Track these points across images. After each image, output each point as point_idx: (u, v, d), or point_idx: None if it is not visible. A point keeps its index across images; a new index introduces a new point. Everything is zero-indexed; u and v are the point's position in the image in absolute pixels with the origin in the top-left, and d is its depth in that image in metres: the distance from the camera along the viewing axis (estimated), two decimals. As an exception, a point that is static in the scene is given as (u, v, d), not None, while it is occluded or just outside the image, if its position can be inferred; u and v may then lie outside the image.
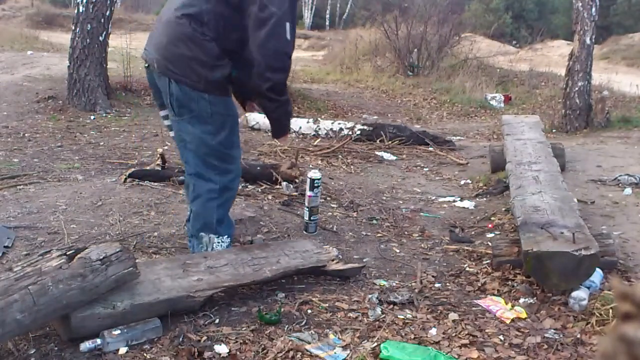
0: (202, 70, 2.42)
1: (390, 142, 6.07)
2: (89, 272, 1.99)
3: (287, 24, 2.36)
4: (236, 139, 2.64)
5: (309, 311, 2.41)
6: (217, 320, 2.28)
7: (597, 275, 2.67)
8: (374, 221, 3.69)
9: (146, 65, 2.62)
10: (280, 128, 2.63)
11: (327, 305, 2.47)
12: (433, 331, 2.28)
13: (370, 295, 2.56)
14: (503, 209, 3.92)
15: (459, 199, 4.34)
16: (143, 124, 6.40)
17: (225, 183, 2.60)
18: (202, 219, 2.63)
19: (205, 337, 2.14)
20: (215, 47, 2.41)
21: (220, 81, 2.46)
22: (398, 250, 3.23)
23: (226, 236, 2.69)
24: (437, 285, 2.78)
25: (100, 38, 6.82)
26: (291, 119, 2.71)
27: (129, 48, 8.01)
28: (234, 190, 2.71)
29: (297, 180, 4.09)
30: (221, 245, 2.67)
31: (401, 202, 4.22)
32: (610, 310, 2.38)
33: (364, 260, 3.04)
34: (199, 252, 2.63)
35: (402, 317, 2.39)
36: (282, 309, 2.36)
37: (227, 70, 2.45)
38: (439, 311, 2.47)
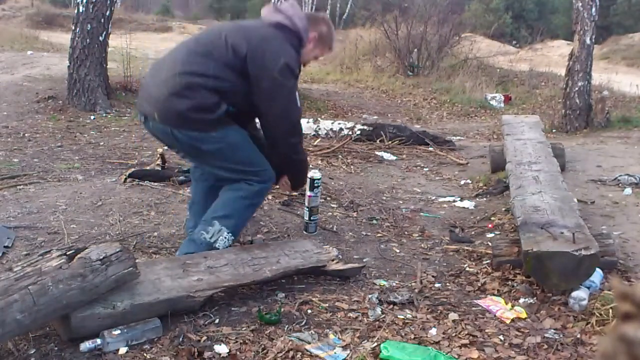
0: (204, 115, 2.51)
1: (390, 142, 6.07)
2: (89, 272, 1.99)
3: (297, 93, 2.63)
4: (253, 152, 2.70)
5: (309, 311, 2.41)
6: (217, 320, 2.28)
7: (597, 275, 2.67)
8: (374, 221, 3.69)
9: (142, 117, 2.68)
10: (299, 181, 2.93)
11: (327, 305, 2.47)
12: (433, 331, 2.28)
13: (370, 295, 2.56)
14: (503, 209, 3.92)
15: (459, 199, 4.34)
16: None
17: (261, 188, 2.72)
18: (228, 210, 2.67)
19: (205, 337, 2.14)
20: (214, 95, 2.51)
21: (222, 117, 2.55)
22: (398, 250, 3.23)
23: (233, 237, 2.72)
24: (437, 285, 2.78)
25: (100, 38, 6.82)
26: (308, 172, 2.97)
27: (129, 48, 8.01)
28: (263, 196, 2.85)
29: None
30: (224, 243, 2.67)
31: (401, 202, 4.22)
32: (610, 310, 2.38)
33: (364, 260, 3.04)
34: (199, 251, 2.63)
35: (402, 317, 2.39)
36: (282, 309, 2.36)
37: (225, 107, 2.55)
38: (439, 311, 2.47)
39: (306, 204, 3.36)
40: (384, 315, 2.39)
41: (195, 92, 2.48)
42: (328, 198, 4.00)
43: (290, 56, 2.57)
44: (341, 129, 6.28)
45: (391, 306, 2.49)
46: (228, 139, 2.58)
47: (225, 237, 2.67)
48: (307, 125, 6.48)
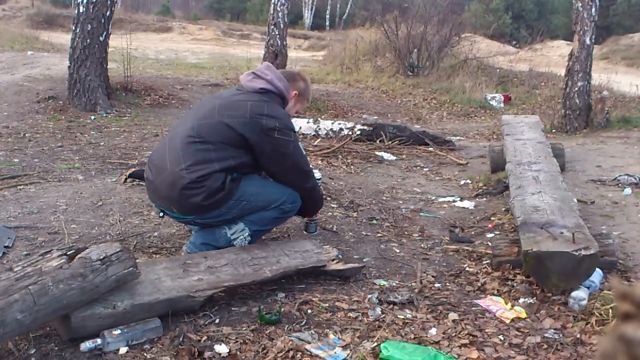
0: (219, 195, 2.61)
1: (390, 142, 6.07)
2: (89, 272, 1.99)
3: (300, 144, 2.80)
4: (272, 188, 2.81)
5: (309, 311, 2.41)
6: (217, 320, 2.28)
7: (597, 275, 2.67)
8: (374, 221, 3.69)
9: (160, 211, 2.83)
10: (315, 210, 3.09)
11: (327, 305, 2.47)
12: (433, 331, 2.28)
13: (370, 295, 2.56)
14: (503, 209, 3.92)
15: (459, 199, 4.35)
16: (143, 124, 6.41)
17: (292, 208, 2.85)
18: (255, 216, 2.75)
19: (205, 337, 2.14)
20: (222, 174, 2.61)
21: (230, 187, 2.65)
22: (398, 250, 3.24)
23: (250, 240, 2.79)
24: (437, 285, 2.78)
25: (101, 38, 6.83)
26: (322, 204, 3.12)
27: (129, 48, 8.01)
28: (291, 214, 2.95)
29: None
30: (242, 242, 2.75)
31: (401, 202, 4.22)
32: (610, 310, 2.38)
33: (364, 260, 3.04)
34: (200, 252, 2.63)
35: (402, 317, 2.39)
36: (282, 309, 2.36)
37: (230, 177, 2.65)
38: (438, 311, 2.47)
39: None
40: (384, 315, 2.39)
41: (204, 181, 2.57)
42: (328, 198, 4.00)
43: (283, 115, 2.74)
44: (341, 129, 6.28)
45: (391, 306, 2.49)
46: (245, 195, 2.69)
47: (245, 238, 2.76)
48: (307, 125, 6.48)
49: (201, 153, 2.60)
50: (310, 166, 2.96)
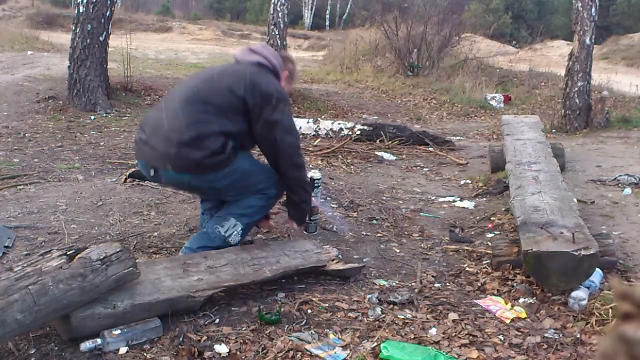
0: (217, 158, 2.61)
1: (390, 142, 6.07)
2: (89, 272, 1.99)
3: (293, 118, 2.80)
4: (264, 169, 2.83)
5: (309, 311, 2.41)
6: (217, 320, 2.28)
7: (597, 275, 2.67)
8: (374, 221, 3.69)
9: (152, 171, 2.72)
10: (301, 216, 2.96)
11: (327, 305, 2.47)
12: (433, 331, 2.28)
13: (370, 295, 2.56)
14: (503, 209, 3.92)
15: (459, 199, 4.34)
16: (143, 124, 6.39)
17: (276, 194, 2.86)
18: (243, 209, 2.77)
19: (205, 337, 2.14)
20: (221, 137, 2.62)
21: (230, 153, 2.66)
22: (398, 250, 3.24)
23: (243, 232, 2.79)
24: (437, 285, 2.78)
25: (101, 38, 6.83)
26: (309, 208, 3.04)
27: (129, 48, 8.01)
28: (277, 200, 2.95)
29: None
30: (237, 238, 2.76)
31: (401, 202, 4.22)
32: (610, 310, 2.38)
33: (364, 260, 3.04)
34: (199, 251, 2.63)
35: (402, 317, 2.39)
36: (282, 309, 2.36)
37: (231, 144, 2.65)
38: (438, 311, 2.47)
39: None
40: (384, 315, 2.39)
41: (205, 140, 2.58)
42: (328, 198, 4.00)
43: (280, 86, 2.78)
44: (341, 129, 6.28)
45: (391, 306, 2.49)
46: (240, 169, 2.70)
47: (238, 232, 2.77)
48: (307, 125, 6.48)
49: (202, 114, 2.61)
50: (300, 141, 2.93)
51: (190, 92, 2.69)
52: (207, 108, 2.61)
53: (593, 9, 7.37)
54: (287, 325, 2.27)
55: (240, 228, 2.76)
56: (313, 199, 3.33)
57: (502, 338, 2.27)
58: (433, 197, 4.40)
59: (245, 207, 2.78)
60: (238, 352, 2.06)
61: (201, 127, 2.58)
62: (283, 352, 2.06)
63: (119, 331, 2.04)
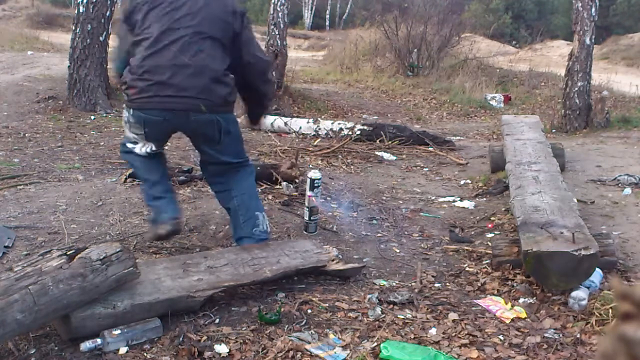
0: (234, 96, 2.72)
1: (390, 142, 6.07)
2: (89, 272, 1.99)
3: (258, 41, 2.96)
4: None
5: (309, 311, 2.41)
6: (217, 320, 2.28)
7: (597, 275, 2.67)
8: (374, 221, 3.69)
9: (183, 115, 2.61)
10: (259, 115, 3.15)
11: (327, 305, 2.47)
12: (433, 331, 2.28)
13: (370, 295, 2.56)
14: (503, 209, 3.92)
15: (459, 199, 4.34)
16: (143, 124, 6.38)
17: (252, 166, 2.99)
18: (253, 197, 2.89)
19: (205, 337, 2.14)
20: (229, 73, 2.68)
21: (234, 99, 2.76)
22: (398, 250, 3.24)
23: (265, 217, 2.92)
24: (437, 285, 2.78)
25: (101, 38, 6.83)
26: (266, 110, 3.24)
27: (129, 48, 7.99)
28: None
29: (297, 180, 4.09)
30: (265, 223, 2.86)
31: (401, 202, 4.22)
32: (610, 310, 2.38)
33: (364, 260, 3.04)
34: (200, 252, 2.63)
35: (402, 317, 2.39)
36: (282, 309, 2.36)
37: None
38: (438, 311, 2.47)
39: (306, 204, 3.36)
40: (384, 315, 2.39)
41: (225, 76, 2.63)
42: (328, 198, 4.00)
43: None
44: (341, 129, 6.28)
45: (391, 306, 2.49)
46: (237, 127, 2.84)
47: (265, 219, 2.88)
48: (307, 125, 6.48)
49: (215, 50, 2.63)
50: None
51: (198, 27, 2.59)
52: (214, 43, 2.63)
53: (593, 9, 7.37)
54: (287, 325, 2.27)
55: (263, 214, 2.86)
56: (313, 199, 3.34)
57: (502, 338, 2.27)
58: (433, 197, 4.40)
59: (252, 195, 2.87)
60: (238, 352, 2.06)
61: (217, 63, 2.62)
62: (283, 352, 2.06)
63: (119, 331, 2.04)
